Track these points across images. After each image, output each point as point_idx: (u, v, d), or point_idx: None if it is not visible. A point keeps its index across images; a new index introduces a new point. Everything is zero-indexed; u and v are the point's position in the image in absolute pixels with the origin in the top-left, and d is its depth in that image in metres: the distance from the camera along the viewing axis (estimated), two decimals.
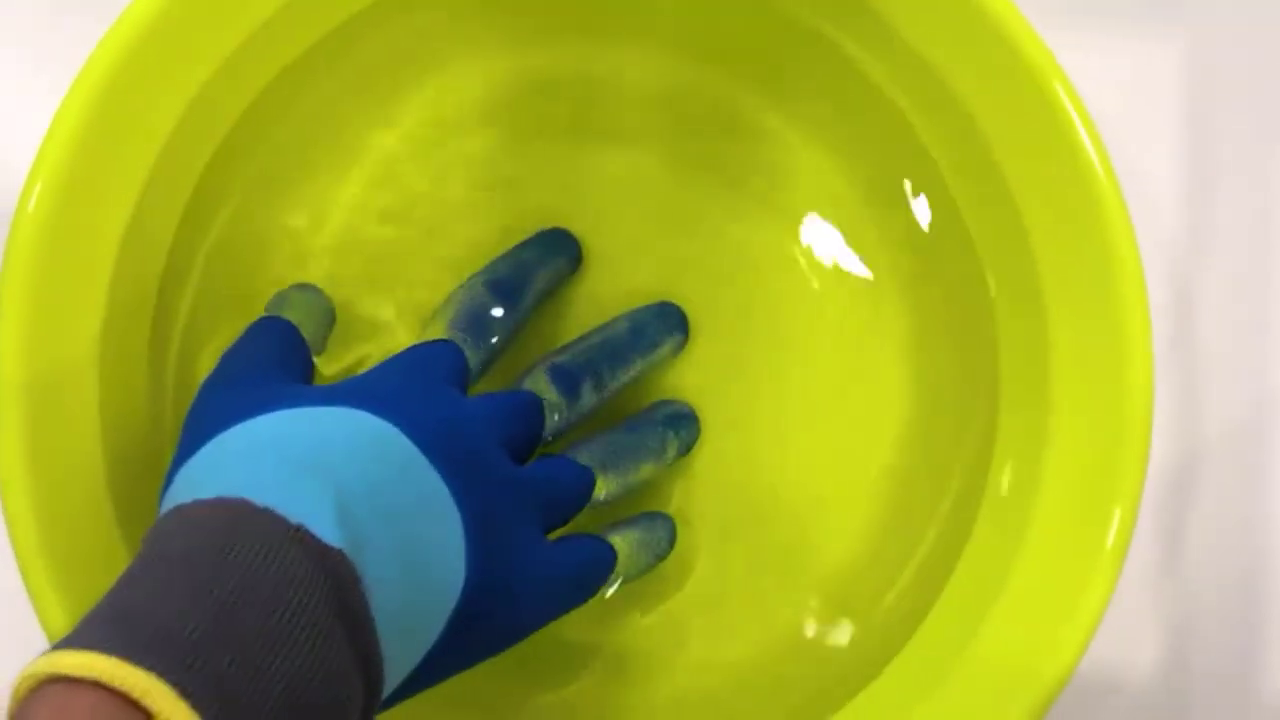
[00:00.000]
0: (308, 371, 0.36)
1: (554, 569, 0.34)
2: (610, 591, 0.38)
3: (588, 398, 0.37)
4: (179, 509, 0.27)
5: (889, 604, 0.39)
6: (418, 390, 0.33)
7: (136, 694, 0.22)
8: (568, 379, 0.37)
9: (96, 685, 0.23)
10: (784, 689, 0.39)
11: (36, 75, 0.38)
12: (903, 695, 0.35)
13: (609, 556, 0.37)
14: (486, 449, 0.33)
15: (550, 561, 0.34)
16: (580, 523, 0.37)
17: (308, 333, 0.37)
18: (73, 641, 0.24)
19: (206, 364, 0.37)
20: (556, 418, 0.37)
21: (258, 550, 0.25)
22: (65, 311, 0.33)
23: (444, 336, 0.36)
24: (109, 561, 0.33)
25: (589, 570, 0.36)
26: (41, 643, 0.31)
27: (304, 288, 0.38)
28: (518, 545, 0.32)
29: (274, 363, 0.34)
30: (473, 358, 0.36)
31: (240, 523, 0.26)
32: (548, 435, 0.37)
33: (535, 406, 0.36)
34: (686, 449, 0.40)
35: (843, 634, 0.39)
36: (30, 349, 0.32)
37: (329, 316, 0.38)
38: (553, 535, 0.35)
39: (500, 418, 0.34)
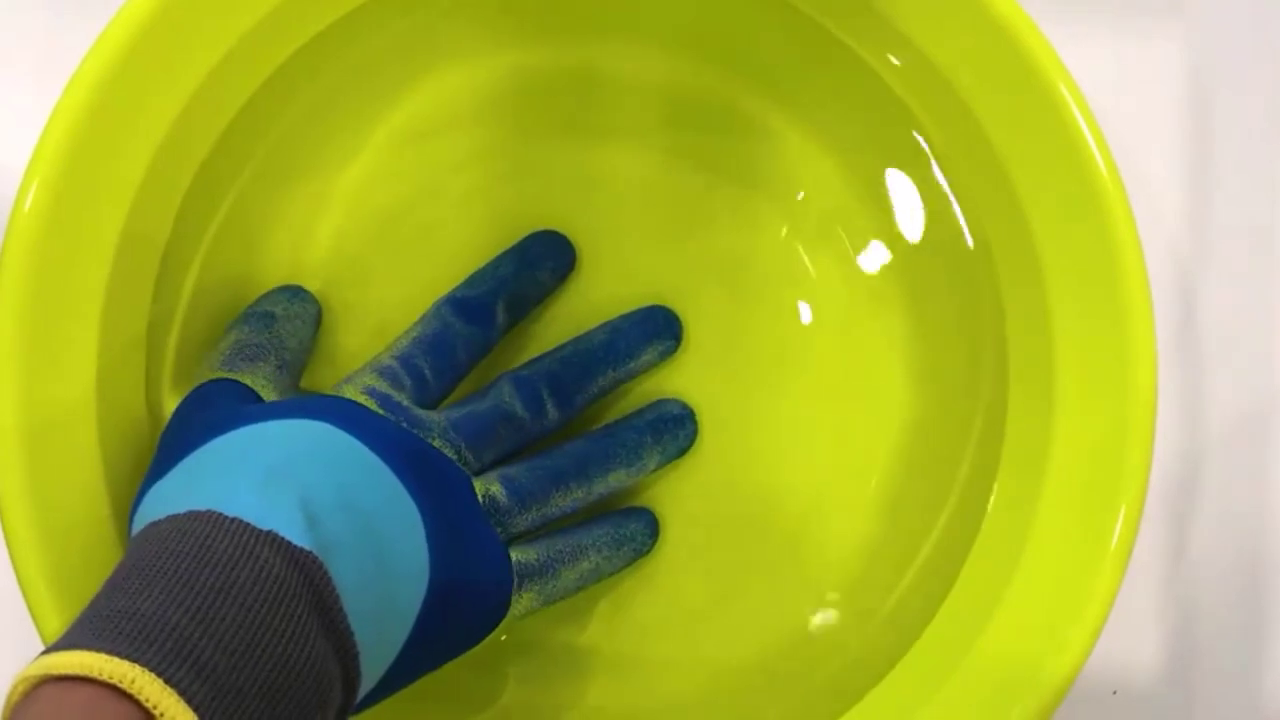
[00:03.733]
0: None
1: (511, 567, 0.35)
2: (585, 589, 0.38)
3: (552, 411, 0.38)
4: (154, 524, 0.28)
5: (892, 606, 0.39)
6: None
7: (125, 685, 0.24)
8: (529, 391, 0.37)
9: (88, 681, 0.24)
10: (784, 691, 0.39)
11: (36, 78, 0.38)
12: (907, 697, 0.35)
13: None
14: (442, 454, 0.34)
15: (507, 560, 0.35)
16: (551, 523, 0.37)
17: (294, 336, 0.37)
18: (61, 644, 0.25)
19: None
20: (520, 429, 0.37)
21: (233, 552, 0.27)
22: (63, 311, 0.33)
23: (375, 382, 0.36)
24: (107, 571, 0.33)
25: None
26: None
27: (290, 290, 0.38)
28: (476, 544, 0.34)
29: (237, 396, 0.35)
30: (431, 386, 0.36)
31: (214, 530, 0.27)
32: (513, 447, 0.37)
33: (495, 416, 0.36)
34: (679, 452, 0.40)
35: (845, 637, 0.39)
36: (26, 353, 0.32)
37: (315, 319, 0.39)
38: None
39: (454, 425, 0.35)
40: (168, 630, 0.25)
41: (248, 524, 0.28)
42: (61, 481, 0.33)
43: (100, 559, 0.33)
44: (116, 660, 0.24)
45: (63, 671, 0.24)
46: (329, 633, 0.28)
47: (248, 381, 0.35)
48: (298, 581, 0.27)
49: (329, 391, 0.35)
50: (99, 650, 0.24)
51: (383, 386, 0.35)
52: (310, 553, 0.28)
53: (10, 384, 0.32)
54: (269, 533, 0.28)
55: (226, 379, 0.35)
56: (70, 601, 0.32)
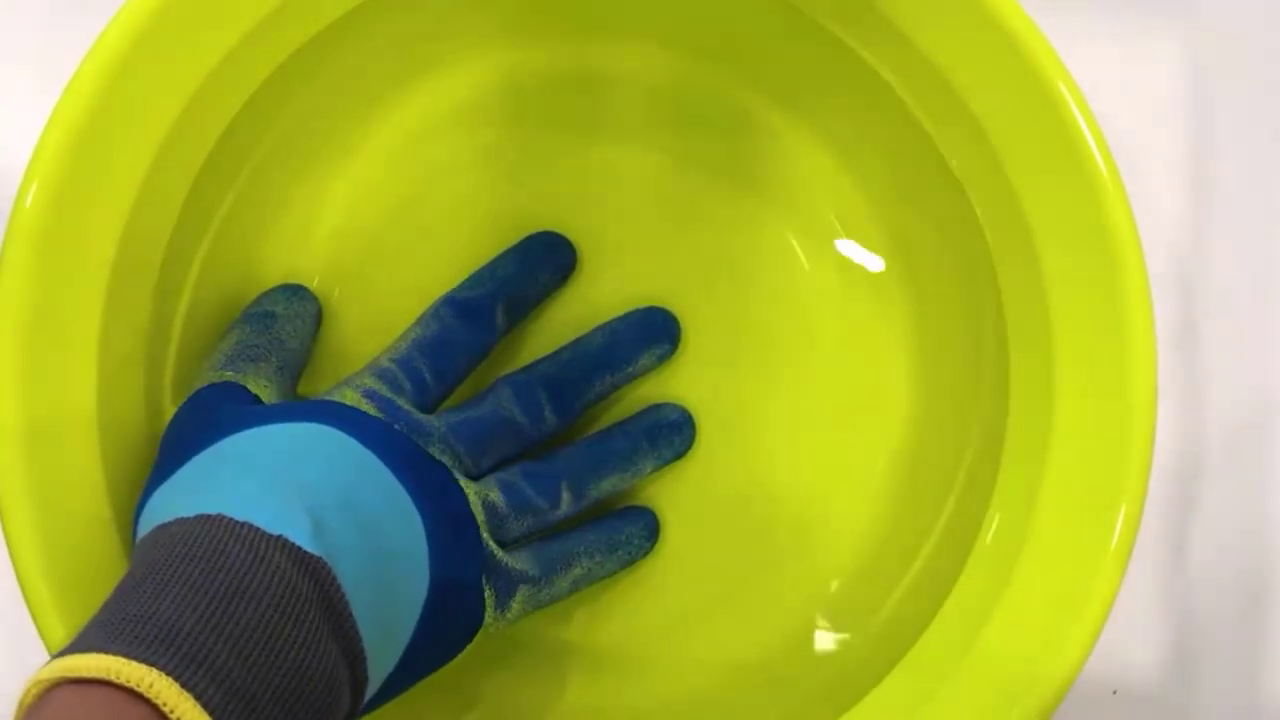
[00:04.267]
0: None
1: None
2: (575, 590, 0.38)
3: (550, 417, 0.38)
4: (163, 527, 0.28)
5: (892, 606, 0.39)
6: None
7: (143, 688, 0.24)
8: (528, 397, 0.37)
9: (104, 684, 0.24)
10: (783, 692, 0.39)
11: (36, 78, 0.38)
12: (907, 697, 0.35)
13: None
14: (434, 459, 0.34)
15: (485, 566, 0.35)
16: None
17: (295, 336, 0.37)
18: (77, 647, 0.25)
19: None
20: (519, 435, 0.37)
21: (244, 555, 0.27)
22: (63, 312, 0.33)
23: (375, 385, 0.36)
24: (113, 578, 0.33)
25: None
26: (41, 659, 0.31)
27: (290, 289, 0.38)
28: (474, 543, 0.34)
29: (239, 398, 0.35)
30: (431, 388, 0.36)
31: (225, 535, 0.27)
32: (512, 452, 0.37)
33: (494, 421, 0.37)
34: (676, 457, 0.40)
35: (845, 637, 0.39)
36: (27, 354, 0.32)
37: (315, 318, 0.39)
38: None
39: (453, 430, 0.36)
40: (183, 634, 0.25)
41: (258, 528, 0.28)
42: (62, 482, 0.33)
43: (101, 560, 0.33)
44: (134, 664, 0.24)
45: (80, 674, 0.24)
46: (338, 637, 0.28)
47: (249, 383, 0.35)
48: (308, 586, 0.27)
49: (328, 394, 0.35)
50: (116, 653, 0.24)
51: (382, 390, 0.35)
52: (319, 558, 0.28)
53: (11, 385, 0.32)
54: (279, 537, 0.28)
55: (228, 381, 0.35)
56: (70, 602, 0.32)
